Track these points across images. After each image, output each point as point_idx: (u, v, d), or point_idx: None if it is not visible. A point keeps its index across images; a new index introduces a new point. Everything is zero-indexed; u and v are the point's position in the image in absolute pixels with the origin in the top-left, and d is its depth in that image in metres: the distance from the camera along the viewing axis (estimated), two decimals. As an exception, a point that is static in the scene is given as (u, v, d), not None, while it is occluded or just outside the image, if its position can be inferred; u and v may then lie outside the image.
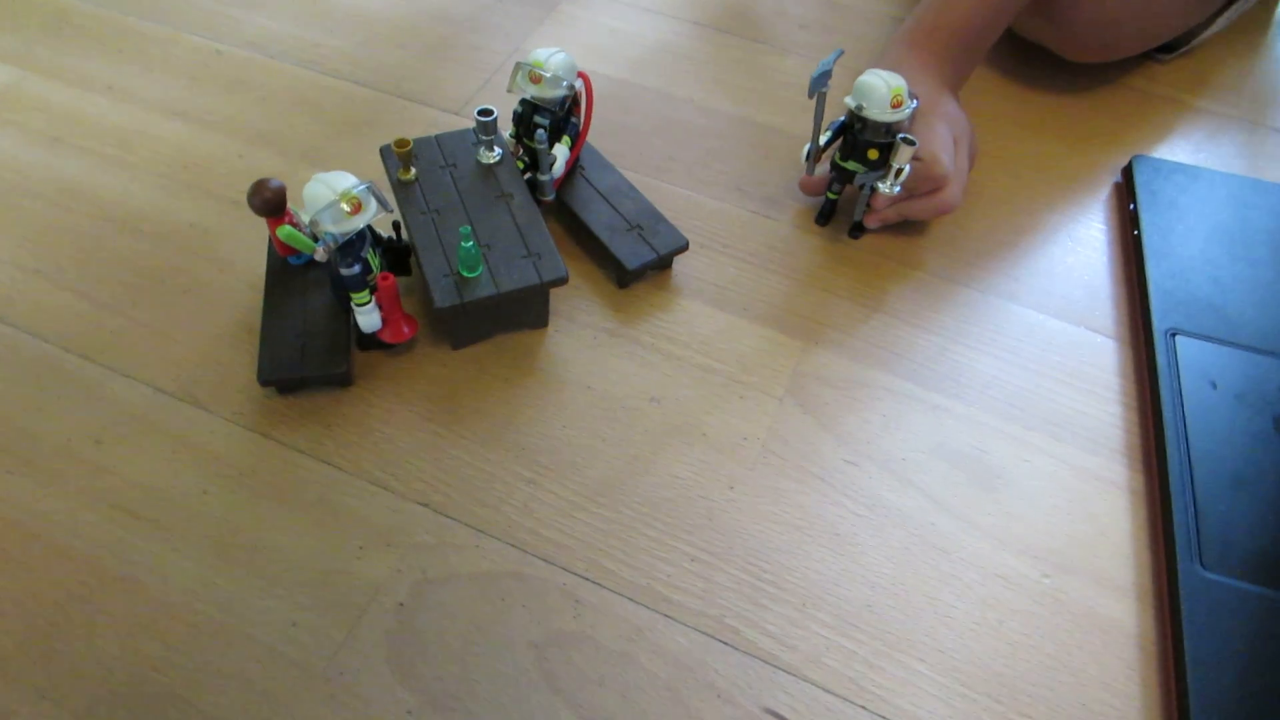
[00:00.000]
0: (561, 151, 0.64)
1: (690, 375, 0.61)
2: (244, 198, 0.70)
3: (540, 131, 0.62)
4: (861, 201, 0.68)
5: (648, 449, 0.57)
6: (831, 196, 0.70)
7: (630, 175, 0.73)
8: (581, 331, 0.63)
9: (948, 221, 0.72)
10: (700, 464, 0.57)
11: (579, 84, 0.64)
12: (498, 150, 0.65)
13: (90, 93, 0.78)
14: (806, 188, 0.71)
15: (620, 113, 0.79)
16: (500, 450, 0.56)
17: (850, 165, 0.66)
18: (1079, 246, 0.72)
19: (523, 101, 0.65)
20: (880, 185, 0.65)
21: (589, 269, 0.67)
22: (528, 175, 0.66)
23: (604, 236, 0.65)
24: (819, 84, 0.62)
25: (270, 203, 0.58)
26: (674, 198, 0.72)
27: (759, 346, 0.63)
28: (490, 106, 0.62)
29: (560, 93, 0.62)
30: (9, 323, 0.62)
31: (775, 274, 0.68)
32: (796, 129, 0.79)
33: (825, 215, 0.71)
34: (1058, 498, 0.57)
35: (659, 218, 0.66)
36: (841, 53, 0.64)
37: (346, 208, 0.52)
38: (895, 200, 0.67)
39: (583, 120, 0.66)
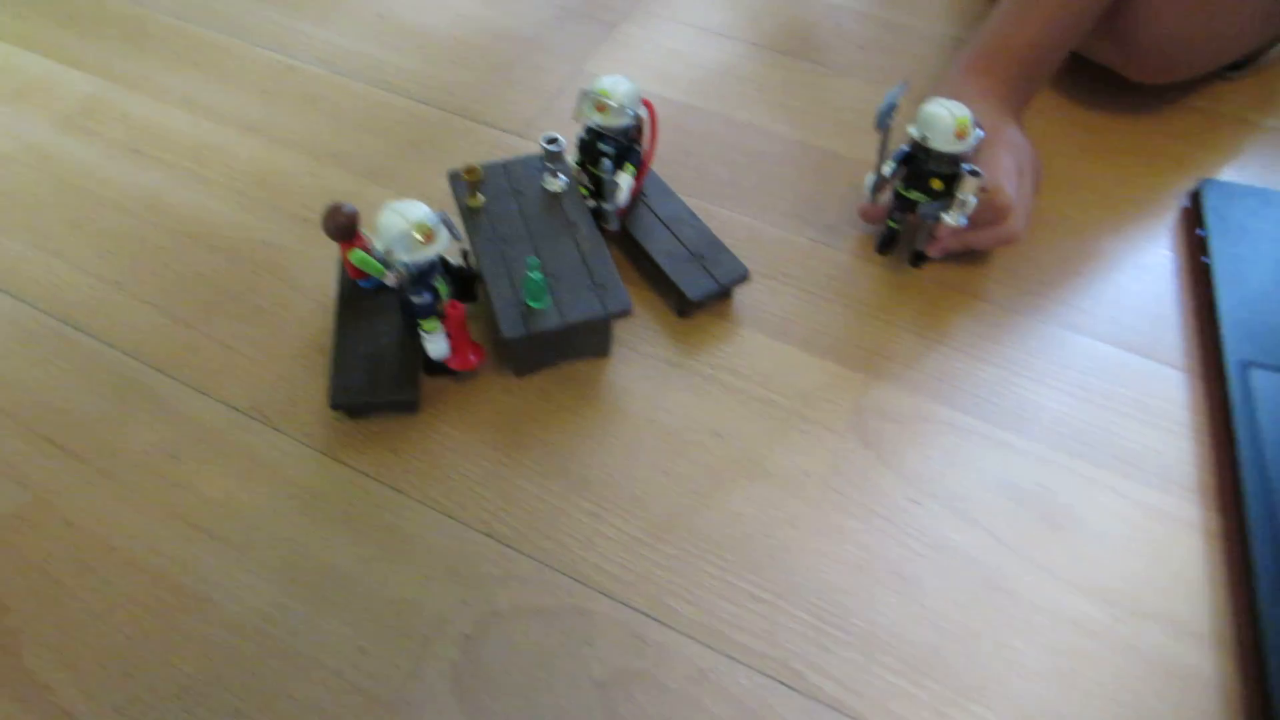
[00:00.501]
0: (626, 180, 0.65)
1: (751, 408, 0.61)
2: (315, 215, 0.71)
3: (606, 161, 0.62)
4: (923, 230, 0.68)
5: (709, 483, 0.58)
6: (893, 225, 0.69)
7: (691, 201, 0.74)
8: (643, 361, 0.64)
9: (1009, 249, 0.72)
10: (762, 500, 0.57)
11: (644, 112, 0.65)
12: (563, 178, 0.65)
13: (168, 105, 0.80)
14: (867, 216, 0.71)
15: (680, 136, 0.79)
16: (564, 481, 0.57)
17: (913, 195, 0.66)
18: (1145, 274, 0.71)
19: (587, 129, 0.65)
20: (945, 216, 0.65)
21: (650, 297, 0.67)
22: (591, 202, 0.66)
23: (666, 265, 0.65)
24: (886, 117, 0.62)
25: (343, 227, 0.59)
26: (734, 224, 0.73)
27: (820, 379, 0.63)
28: (557, 135, 0.63)
29: (625, 121, 0.63)
30: (91, 334, 0.64)
31: (836, 304, 0.68)
32: (856, 154, 0.79)
33: (886, 243, 0.71)
34: (1129, 538, 0.56)
35: (720, 247, 0.67)
36: (907, 85, 0.64)
37: (419, 237, 0.53)
38: (959, 230, 0.67)
39: (647, 148, 0.67)
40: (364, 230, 0.60)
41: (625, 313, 0.59)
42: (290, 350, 0.63)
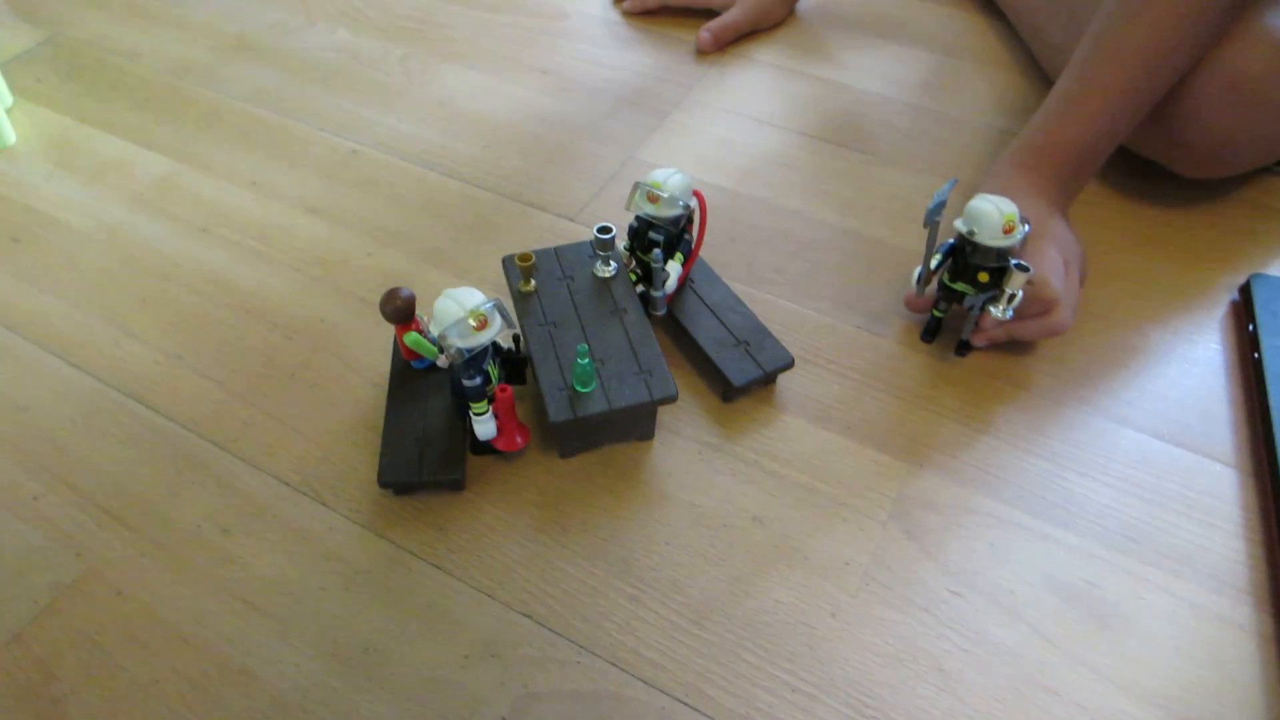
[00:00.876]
0: (675, 269, 0.66)
1: (792, 495, 0.62)
2: (371, 295, 0.74)
3: (657, 251, 0.64)
4: (970, 320, 0.68)
5: (749, 569, 0.58)
6: (937, 314, 0.70)
7: (737, 287, 0.75)
8: (686, 445, 0.64)
9: (1055, 339, 0.72)
10: (802, 588, 0.57)
11: (694, 203, 0.66)
12: (613, 264, 0.67)
13: (237, 186, 0.84)
14: (912, 305, 0.71)
15: (728, 223, 0.81)
16: (604, 564, 0.58)
17: (959, 286, 0.66)
18: (1194, 368, 0.71)
19: (638, 217, 0.67)
20: (993, 309, 0.65)
21: (694, 381, 0.68)
22: (639, 288, 0.68)
23: (711, 351, 0.66)
24: (934, 215, 0.62)
25: (401, 311, 0.61)
26: (780, 310, 0.74)
27: (862, 467, 0.63)
28: (609, 224, 0.65)
29: (676, 212, 0.65)
30: (152, 407, 0.66)
31: (880, 392, 0.68)
32: (902, 242, 0.80)
33: (931, 332, 0.71)
34: (1178, 639, 0.55)
35: (765, 333, 0.68)
36: (956, 182, 0.65)
37: (474, 324, 0.55)
38: (1004, 321, 0.67)
39: (695, 238, 0.68)
40: (419, 314, 0.62)
41: (671, 399, 0.60)
42: (342, 427, 0.65)
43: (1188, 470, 0.64)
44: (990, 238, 0.63)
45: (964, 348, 0.70)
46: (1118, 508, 0.62)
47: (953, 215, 0.71)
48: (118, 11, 1.07)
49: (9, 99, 0.92)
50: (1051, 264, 0.67)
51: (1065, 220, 0.73)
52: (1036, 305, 0.67)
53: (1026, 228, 0.64)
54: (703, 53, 1.02)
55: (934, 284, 0.69)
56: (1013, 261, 0.63)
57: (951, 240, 0.66)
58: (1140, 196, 0.85)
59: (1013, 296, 0.64)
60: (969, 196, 0.67)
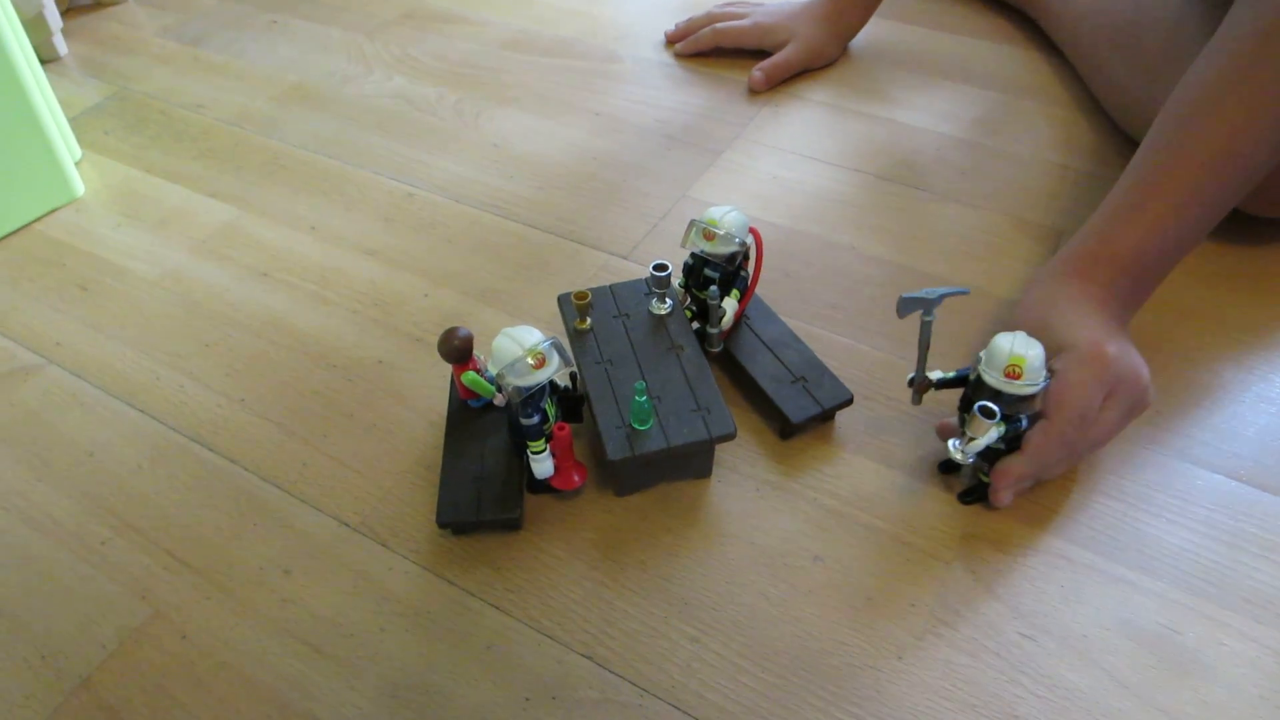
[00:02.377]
0: (731, 305, 0.66)
1: (854, 533, 0.60)
2: (428, 336, 0.74)
3: (713, 288, 0.64)
4: (971, 468, 0.62)
5: (812, 610, 0.56)
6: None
7: (793, 323, 0.74)
8: (744, 483, 0.63)
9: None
10: (866, 629, 0.55)
11: (750, 240, 0.66)
12: (669, 301, 0.67)
13: (296, 231, 0.86)
14: (942, 432, 0.63)
15: (784, 260, 0.80)
16: (664, 604, 0.57)
17: (966, 416, 0.59)
18: (1269, 406, 0.68)
19: (693, 254, 0.67)
20: (951, 444, 0.58)
21: (752, 419, 0.67)
22: (695, 324, 0.67)
23: (768, 388, 0.66)
24: (909, 307, 0.58)
25: (459, 350, 0.61)
26: (837, 347, 0.73)
27: (925, 506, 0.62)
28: (666, 262, 0.65)
29: (732, 249, 0.64)
30: (214, 449, 0.67)
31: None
32: (958, 278, 0.79)
33: (948, 467, 0.64)
34: (1261, 687, 0.53)
35: (823, 369, 0.67)
36: (959, 293, 0.60)
37: (532, 362, 0.55)
38: (1021, 475, 0.59)
39: (752, 275, 0.68)
40: (476, 353, 0.62)
41: (729, 437, 0.59)
42: (400, 467, 0.65)
43: (1266, 512, 0.62)
44: (992, 375, 0.56)
45: (967, 495, 0.63)
46: (1194, 550, 0.60)
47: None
48: (182, 65, 1.10)
49: (78, 152, 0.95)
50: (1081, 400, 0.57)
51: (1124, 339, 0.63)
52: (1056, 449, 0.58)
53: (1044, 383, 0.56)
54: (755, 92, 1.02)
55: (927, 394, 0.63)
56: (977, 406, 0.56)
57: (969, 369, 0.60)
58: (1210, 233, 0.83)
59: (972, 440, 0.57)
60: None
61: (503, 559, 0.59)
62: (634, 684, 0.53)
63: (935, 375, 0.61)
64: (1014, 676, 0.53)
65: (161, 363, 0.73)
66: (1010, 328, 0.59)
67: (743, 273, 0.67)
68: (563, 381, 0.63)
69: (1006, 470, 0.59)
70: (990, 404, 0.56)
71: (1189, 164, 0.66)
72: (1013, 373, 0.56)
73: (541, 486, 0.62)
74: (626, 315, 0.67)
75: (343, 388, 0.71)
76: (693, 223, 0.65)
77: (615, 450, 0.58)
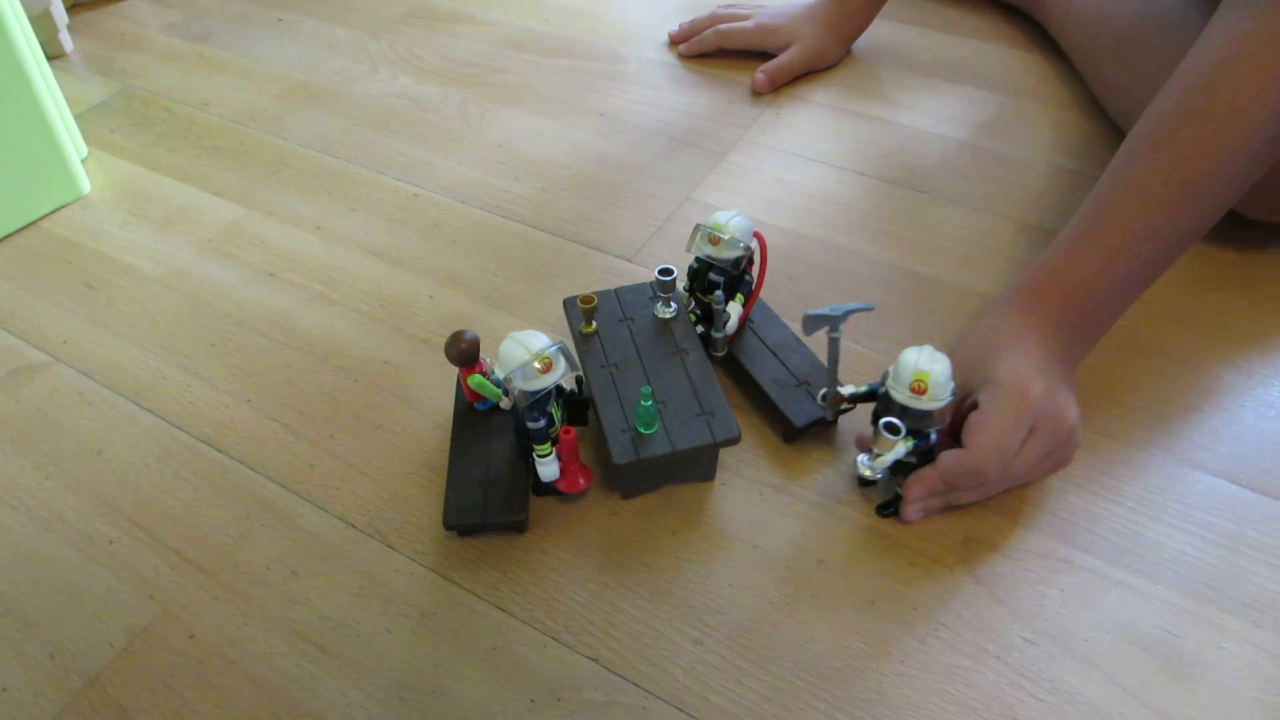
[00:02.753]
0: (735, 310, 0.66)
1: (857, 538, 0.61)
2: (434, 337, 0.75)
3: (718, 292, 0.64)
4: (884, 480, 0.62)
5: (815, 614, 0.57)
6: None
7: (796, 327, 0.74)
8: (748, 486, 0.64)
9: (1124, 380, 0.70)
10: (869, 633, 0.56)
11: (755, 245, 0.67)
12: (674, 305, 0.67)
13: (302, 230, 0.86)
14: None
15: (787, 263, 0.81)
16: (668, 607, 0.57)
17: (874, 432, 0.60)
18: (1269, 411, 0.69)
19: (698, 258, 0.67)
20: (860, 460, 0.59)
21: (755, 422, 0.68)
22: (699, 328, 0.68)
23: (772, 392, 0.66)
24: (815, 324, 0.58)
25: (465, 354, 0.62)
26: (840, 351, 0.73)
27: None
28: (671, 266, 0.65)
29: (737, 254, 0.65)
30: (221, 449, 0.67)
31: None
32: (963, 282, 0.79)
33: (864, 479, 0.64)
34: (1260, 691, 0.53)
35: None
36: (865, 309, 0.60)
37: (538, 366, 0.55)
38: (930, 488, 0.59)
39: (756, 279, 0.68)
40: (483, 356, 0.63)
41: (734, 441, 0.59)
42: (407, 468, 0.65)
43: (1265, 516, 0.62)
44: (897, 389, 0.57)
45: (884, 508, 0.63)
46: (1193, 554, 0.60)
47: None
48: (187, 62, 1.10)
49: (84, 149, 0.95)
50: (1003, 434, 0.57)
51: (1056, 378, 0.60)
52: (968, 479, 0.58)
53: (949, 398, 0.56)
54: (758, 93, 1.02)
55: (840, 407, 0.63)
56: (882, 422, 0.57)
57: (878, 384, 0.60)
58: (1210, 235, 0.83)
59: (879, 456, 0.57)
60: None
61: (508, 561, 0.60)
62: (638, 686, 0.54)
63: (848, 390, 0.61)
64: (1015, 680, 0.54)
65: (168, 362, 0.73)
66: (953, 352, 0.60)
67: (746, 277, 0.68)
68: (569, 385, 0.64)
69: (919, 479, 0.59)
70: (895, 421, 0.57)
71: (1141, 198, 0.64)
72: (918, 388, 0.56)
73: (547, 489, 0.62)
74: (631, 319, 0.67)
75: (349, 388, 0.71)
76: (698, 227, 0.65)
77: (620, 454, 0.58)
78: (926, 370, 0.55)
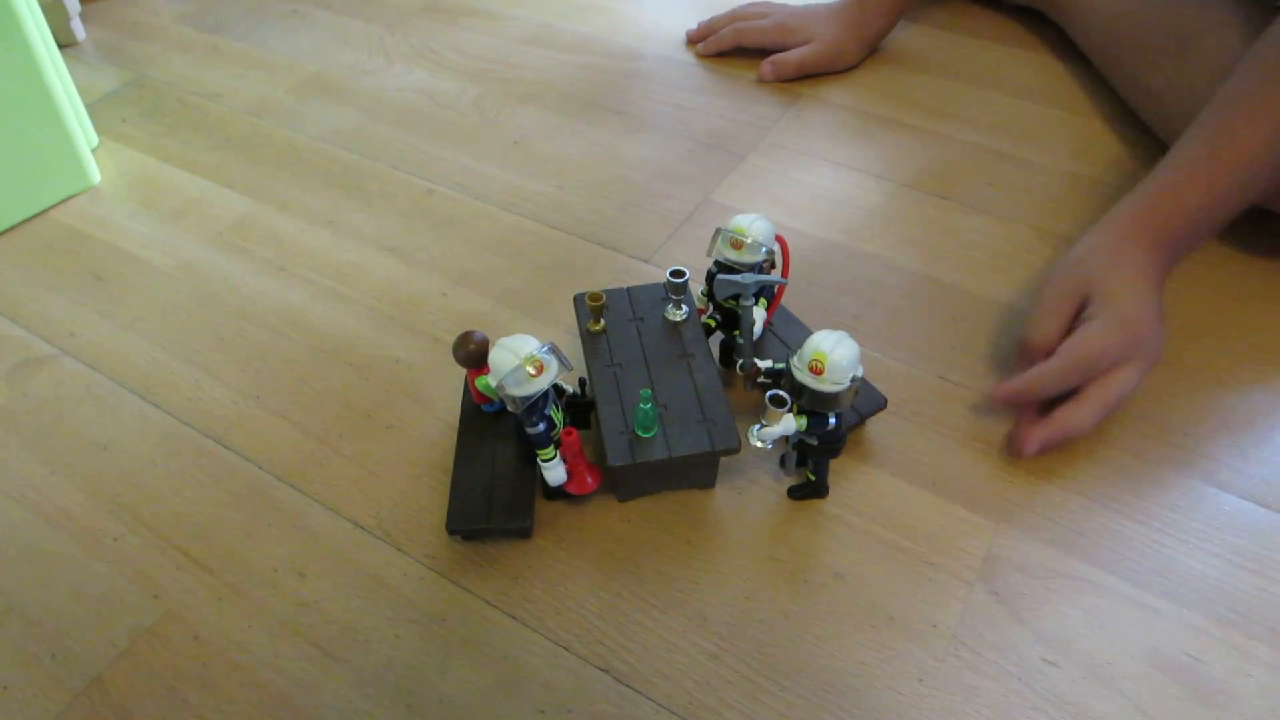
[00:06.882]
0: (760, 313, 0.65)
1: (875, 550, 0.60)
2: (445, 336, 0.73)
3: (747, 281, 0.63)
4: (790, 460, 0.64)
5: (831, 628, 0.56)
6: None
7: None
8: (767, 495, 0.63)
9: (1151, 398, 0.69)
10: (887, 650, 0.55)
11: (777, 248, 0.65)
12: (685, 308, 0.66)
13: (314, 225, 0.85)
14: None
15: (806, 267, 0.79)
16: (682, 618, 0.56)
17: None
18: (1300, 431, 0.67)
19: (717, 262, 0.66)
20: (752, 430, 0.58)
21: (775, 429, 0.66)
22: (721, 334, 0.67)
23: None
24: (725, 289, 0.62)
25: (474, 355, 0.60)
26: (861, 359, 0.72)
27: (948, 525, 0.61)
28: (683, 269, 0.64)
29: (759, 258, 0.63)
30: (229, 446, 0.66)
31: (965, 446, 0.66)
32: (985, 291, 0.78)
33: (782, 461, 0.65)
34: (1285, 721, 0.52)
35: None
36: (779, 283, 0.64)
37: (530, 370, 0.54)
38: (1023, 385, 0.63)
39: (778, 285, 0.67)
40: (494, 358, 0.61)
41: (733, 451, 0.58)
42: (416, 469, 0.64)
43: (1295, 538, 0.61)
44: (797, 367, 0.56)
45: (795, 491, 0.63)
46: (1220, 577, 0.59)
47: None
48: (199, 53, 1.09)
49: (95, 139, 0.94)
50: (1091, 355, 0.62)
51: (1156, 301, 0.66)
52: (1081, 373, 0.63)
53: (847, 384, 0.55)
54: (762, 81, 1.01)
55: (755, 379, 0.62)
56: (769, 395, 0.56)
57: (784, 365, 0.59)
58: (1242, 247, 0.82)
59: (765, 426, 0.57)
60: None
61: (519, 567, 0.59)
62: (651, 699, 0.52)
63: (765, 365, 0.61)
64: (1037, 703, 0.53)
65: (177, 356, 0.72)
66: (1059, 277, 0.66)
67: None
68: (570, 386, 0.63)
69: (1005, 390, 0.64)
70: (782, 394, 0.57)
71: (1261, 123, 0.67)
72: (815, 368, 0.55)
73: (557, 493, 0.61)
74: (641, 319, 0.66)
75: (359, 387, 0.70)
76: (719, 231, 0.64)
77: (615, 456, 0.57)
78: (826, 353, 0.55)
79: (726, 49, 1.07)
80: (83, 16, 1.13)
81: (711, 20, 1.09)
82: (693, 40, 1.10)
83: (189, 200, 0.88)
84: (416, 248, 0.82)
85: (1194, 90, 0.75)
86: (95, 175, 0.90)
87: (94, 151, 0.92)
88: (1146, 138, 0.93)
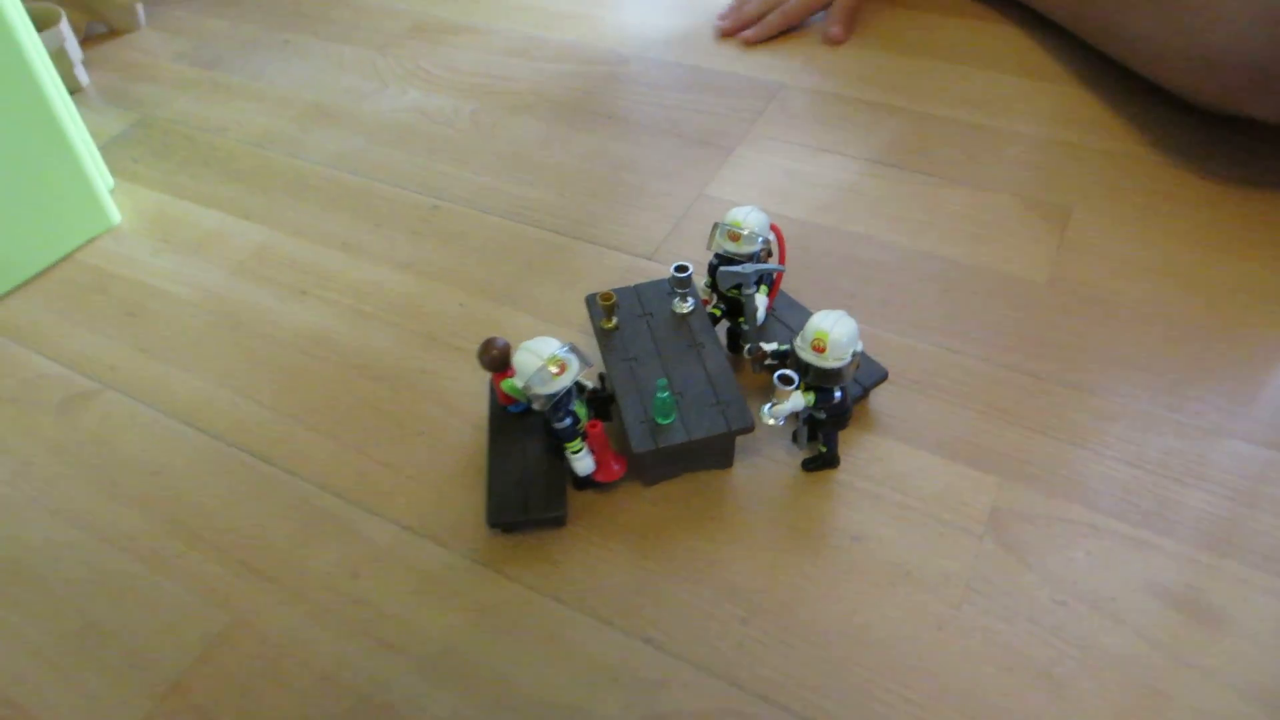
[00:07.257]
0: (762, 300, 0.69)
1: (887, 512, 0.64)
2: (465, 344, 0.77)
3: (748, 270, 0.67)
4: (802, 434, 0.67)
5: (853, 588, 0.60)
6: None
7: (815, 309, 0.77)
8: (781, 470, 0.67)
9: (1139, 346, 0.73)
10: (906, 603, 0.59)
11: (772, 237, 0.69)
12: (691, 300, 0.70)
13: (329, 248, 0.89)
14: None
15: (800, 251, 0.83)
16: (712, 588, 0.60)
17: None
18: (1282, 370, 0.71)
19: (717, 255, 0.70)
20: (764, 409, 0.61)
21: (784, 406, 0.70)
22: (727, 322, 0.71)
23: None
24: (727, 280, 0.65)
25: (497, 360, 0.65)
26: (860, 334, 0.76)
27: (954, 483, 0.65)
28: (686, 263, 0.68)
29: (756, 247, 0.67)
30: (272, 462, 0.70)
31: (966, 408, 0.70)
32: (975, 260, 0.81)
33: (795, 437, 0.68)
34: (1285, 639, 0.56)
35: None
36: (777, 270, 0.68)
37: (554, 369, 0.58)
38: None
39: (776, 271, 0.71)
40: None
41: (748, 430, 0.62)
42: (451, 471, 0.68)
43: (1281, 469, 0.65)
44: (801, 346, 0.60)
45: (810, 463, 0.67)
46: (1215, 512, 0.63)
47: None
48: (201, 90, 1.13)
49: (110, 180, 0.98)
50: None
51: None
52: None
53: (849, 359, 0.59)
54: (838, 43, 1.10)
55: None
56: (776, 376, 0.60)
57: (788, 346, 0.63)
58: (1242, 188, 0.86)
59: (776, 404, 0.60)
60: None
61: (557, 553, 0.63)
62: (691, 663, 0.56)
63: (770, 347, 0.64)
64: (1048, 639, 0.57)
65: (213, 382, 0.76)
66: None
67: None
68: (591, 382, 0.66)
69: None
70: (789, 372, 0.60)
71: None
72: (818, 346, 0.59)
73: (586, 483, 0.65)
74: (650, 314, 0.70)
75: (389, 397, 0.74)
76: (717, 225, 0.68)
77: (639, 443, 0.61)
78: (827, 331, 0.59)
79: (775, 34, 1.12)
80: (84, 63, 1.17)
81: (741, 9, 1.13)
82: (729, 32, 1.13)
83: (207, 233, 0.92)
84: (428, 262, 0.86)
85: (1181, 28, 0.77)
86: (115, 216, 0.94)
87: (111, 192, 0.96)
88: (1125, 97, 0.97)
